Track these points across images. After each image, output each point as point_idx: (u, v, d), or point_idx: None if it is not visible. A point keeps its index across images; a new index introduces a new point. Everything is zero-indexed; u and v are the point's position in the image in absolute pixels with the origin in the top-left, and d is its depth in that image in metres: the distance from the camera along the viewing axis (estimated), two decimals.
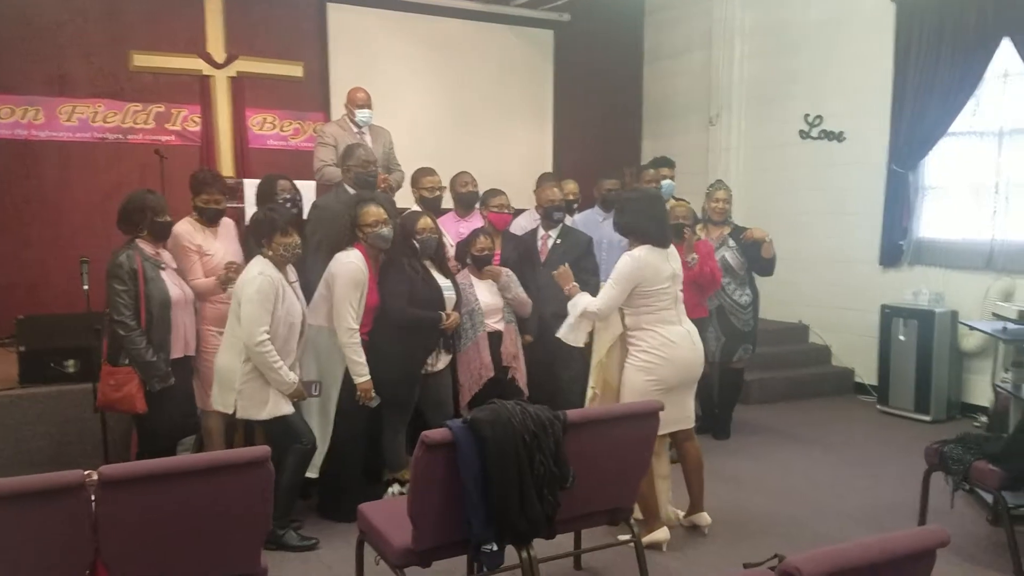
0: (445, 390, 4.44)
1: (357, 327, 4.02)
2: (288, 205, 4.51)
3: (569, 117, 8.76)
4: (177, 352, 4.04)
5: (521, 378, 4.58)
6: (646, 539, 3.65)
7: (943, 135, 6.38)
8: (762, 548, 3.85)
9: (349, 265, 4.03)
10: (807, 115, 7.47)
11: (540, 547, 2.98)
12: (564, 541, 3.35)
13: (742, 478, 4.74)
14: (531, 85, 8.64)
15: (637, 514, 3.72)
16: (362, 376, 4.03)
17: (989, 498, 4.06)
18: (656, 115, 9.20)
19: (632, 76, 9.29)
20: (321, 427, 4.10)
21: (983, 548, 3.87)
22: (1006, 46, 5.90)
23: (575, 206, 5.57)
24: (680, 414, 3.87)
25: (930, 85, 6.38)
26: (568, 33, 8.73)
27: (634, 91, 9.32)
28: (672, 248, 3.90)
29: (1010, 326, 4.68)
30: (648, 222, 3.80)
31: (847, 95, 7.14)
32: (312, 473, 4.04)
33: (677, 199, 5.40)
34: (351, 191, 4.63)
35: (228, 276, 4.10)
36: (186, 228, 4.25)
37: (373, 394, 4.06)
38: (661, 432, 3.55)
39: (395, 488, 4.33)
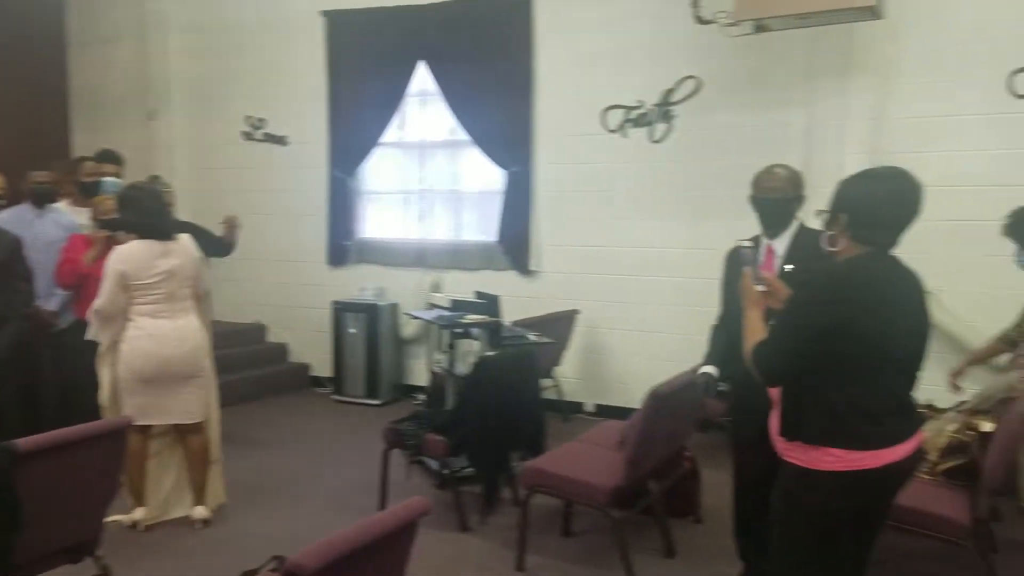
0: None
1: None
2: None
3: None
4: None
5: None
6: (125, 517, 3.96)
7: (376, 145, 7.02)
8: (261, 552, 3.77)
9: None
10: (249, 117, 7.54)
11: None
12: None
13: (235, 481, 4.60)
14: None
15: (133, 510, 3.99)
16: None
17: (434, 466, 4.63)
18: (89, 106, 8.32)
19: (55, 60, 8.24)
20: None
21: (433, 511, 4.35)
22: (423, 69, 6.70)
23: (1, 202, 4.75)
24: (169, 407, 4.00)
25: (362, 98, 6.94)
26: None
27: (58, 77, 8.28)
28: (179, 245, 3.98)
29: (444, 313, 5.36)
30: (142, 217, 3.93)
31: (288, 101, 7.38)
32: None
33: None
34: None
35: None
36: None
37: None
38: (142, 422, 3.85)
39: None
